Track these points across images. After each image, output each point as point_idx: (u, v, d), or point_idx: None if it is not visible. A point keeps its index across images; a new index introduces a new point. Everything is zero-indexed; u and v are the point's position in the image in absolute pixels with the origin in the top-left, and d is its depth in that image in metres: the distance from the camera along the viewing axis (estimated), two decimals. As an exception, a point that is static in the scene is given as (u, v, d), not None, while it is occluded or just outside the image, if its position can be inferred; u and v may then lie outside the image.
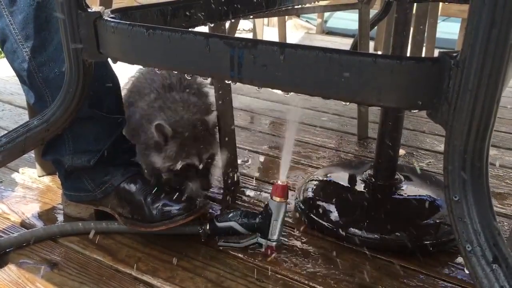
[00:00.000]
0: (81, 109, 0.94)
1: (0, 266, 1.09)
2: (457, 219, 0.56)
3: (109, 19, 0.77)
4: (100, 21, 0.77)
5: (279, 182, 1.12)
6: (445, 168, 0.57)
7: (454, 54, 0.54)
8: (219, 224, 1.17)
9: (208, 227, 1.18)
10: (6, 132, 1.02)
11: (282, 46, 0.60)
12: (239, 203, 1.42)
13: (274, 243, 1.14)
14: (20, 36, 1.17)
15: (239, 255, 1.17)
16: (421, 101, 0.58)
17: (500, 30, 0.50)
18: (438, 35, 2.71)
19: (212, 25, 1.20)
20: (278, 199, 1.11)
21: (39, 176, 1.52)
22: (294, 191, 1.46)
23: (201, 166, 1.17)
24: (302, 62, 0.59)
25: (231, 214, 1.17)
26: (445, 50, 0.60)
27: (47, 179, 1.51)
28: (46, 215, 1.32)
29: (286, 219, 1.29)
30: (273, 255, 1.17)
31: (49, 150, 1.23)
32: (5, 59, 1.28)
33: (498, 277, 0.52)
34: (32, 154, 1.55)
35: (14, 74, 1.29)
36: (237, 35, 3.09)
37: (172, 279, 1.08)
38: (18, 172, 1.55)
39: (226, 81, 1.07)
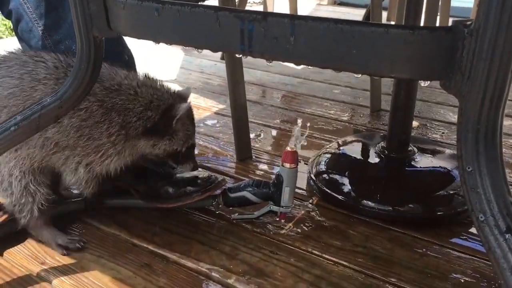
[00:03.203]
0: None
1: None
2: (470, 189, 0.55)
3: (118, -6, 0.77)
4: (110, -4, 0.77)
5: (289, 149, 1.12)
6: (458, 138, 0.57)
7: (468, 23, 0.53)
8: (232, 195, 1.18)
9: (221, 199, 1.19)
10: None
11: (293, 18, 0.60)
12: (252, 176, 1.43)
13: (288, 209, 1.15)
14: (34, 14, 1.18)
15: (253, 228, 1.18)
16: (434, 71, 0.57)
17: (515, -3, 0.49)
18: (452, 3, 2.65)
19: (222, -2, 1.19)
20: (288, 165, 1.12)
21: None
22: (307, 164, 1.46)
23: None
24: (313, 34, 0.59)
25: (243, 184, 1.18)
26: (459, 18, 0.58)
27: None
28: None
29: (298, 191, 1.30)
30: (288, 225, 1.18)
31: None
32: (15, 37, 1.29)
33: (511, 247, 0.52)
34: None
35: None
36: (247, 7, 3.05)
37: (188, 252, 1.10)
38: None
39: (237, 55, 1.06)
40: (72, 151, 1.03)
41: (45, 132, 1.00)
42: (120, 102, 1.01)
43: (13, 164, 1.03)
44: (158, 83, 1.09)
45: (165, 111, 1.04)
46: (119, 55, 1.24)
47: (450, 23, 0.56)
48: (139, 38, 0.76)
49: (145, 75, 1.10)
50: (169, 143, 1.07)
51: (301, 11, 3.81)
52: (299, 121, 1.14)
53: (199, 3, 1.01)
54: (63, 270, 1.04)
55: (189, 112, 1.09)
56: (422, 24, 1.50)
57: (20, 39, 1.27)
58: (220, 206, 1.20)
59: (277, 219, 1.17)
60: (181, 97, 1.11)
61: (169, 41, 0.73)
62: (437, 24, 2.20)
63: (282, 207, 1.14)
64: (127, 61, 1.27)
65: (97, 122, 1.01)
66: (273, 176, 1.17)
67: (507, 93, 0.54)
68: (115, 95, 1.02)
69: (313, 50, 0.60)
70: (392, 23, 3.16)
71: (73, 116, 0.99)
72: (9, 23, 2.28)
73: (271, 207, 1.15)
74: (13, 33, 1.30)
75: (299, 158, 1.13)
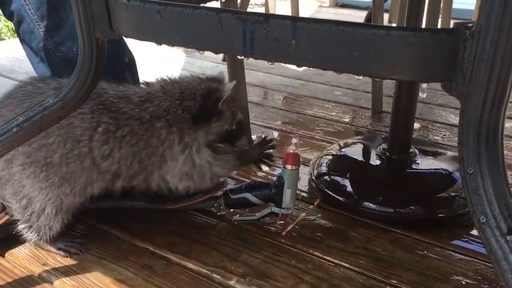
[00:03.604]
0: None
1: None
2: (472, 191, 0.55)
3: (120, -4, 0.77)
4: (112, -2, 0.77)
5: (290, 151, 1.12)
6: (459, 140, 0.57)
7: (470, 25, 0.53)
8: (233, 196, 1.18)
9: (222, 200, 1.19)
10: (22, 111, 1.04)
11: (294, 20, 0.60)
12: (254, 178, 1.43)
13: (289, 211, 1.15)
14: (36, 16, 1.18)
15: (254, 229, 1.18)
16: (435, 73, 0.57)
17: (516, -1, 0.49)
18: (454, 5, 2.66)
19: (224, 0, 1.19)
20: (289, 167, 1.12)
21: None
22: (308, 166, 1.46)
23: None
24: (314, 36, 0.59)
25: (244, 186, 1.18)
26: (461, 20, 0.59)
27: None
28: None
29: (299, 192, 1.30)
30: (289, 227, 1.18)
31: None
32: (17, 39, 1.29)
33: (512, 249, 0.52)
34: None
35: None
36: (249, 9, 3.06)
37: (189, 253, 1.10)
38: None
39: (239, 57, 1.06)
40: (138, 175, 1.04)
41: (98, 167, 1.00)
42: (155, 108, 1.02)
43: (52, 202, 1.02)
44: (174, 78, 1.09)
45: (205, 95, 1.04)
46: (120, 57, 1.25)
47: (451, 25, 0.56)
48: (141, 39, 0.76)
49: (160, 79, 1.09)
50: (218, 124, 1.06)
51: (303, 13, 3.81)
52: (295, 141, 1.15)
53: (201, 5, 1.01)
54: (65, 271, 1.04)
55: (232, 91, 1.09)
56: (423, 26, 1.50)
57: (22, 41, 1.28)
58: (222, 207, 1.20)
59: (279, 220, 1.17)
60: (217, 80, 1.11)
61: (171, 43, 0.74)
62: (439, 26, 2.20)
63: (283, 208, 1.14)
64: (128, 63, 1.27)
65: (146, 140, 1.01)
66: (275, 178, 1.17)
67: (508, 95, 0.54)
68: (148, 105, 1.02)
69: (314, 52, 0.60)
70: (394, 25, 3.16)
71: (122, 145, 0.99)
72: (11, 25, 2.28)
73: (272, 209, 1.15)
74: (15, 34, 1.31)
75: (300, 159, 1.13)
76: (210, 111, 1.05)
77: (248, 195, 1.16)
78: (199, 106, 1.03)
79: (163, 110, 1.02)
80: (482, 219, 0.54)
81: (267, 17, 0.62)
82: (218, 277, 1.03)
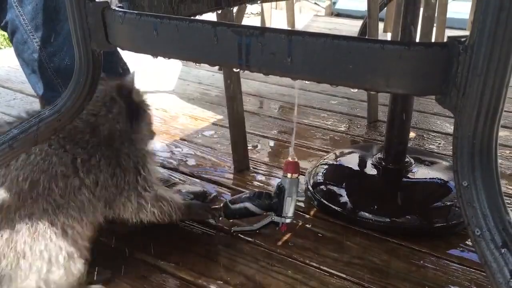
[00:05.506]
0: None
1: None
2: (466, 204, 0.56)
3: (117, 8, 0.77)
4: (108, 10, 0.77)
5: (290, 159, 1.13)
6: (454, 153, 0.57)
7: (463, 39, 0.54)
8: (233, 206, 1.17)
9: (221, 211, 1.19)
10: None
11: (290, 33, 0.60)
12: (250, 188, 1.43)
13: (289, 220, 1.15)
14: (30, 26, 1.18)
15: (251, 240, 1.18)
16: (429, 87, 0.58)
17: (508, 14, 0.49)
18: (448, 15, 2.68)
19: (220, 11, 1.20)
20: (290, 175, 1.13)
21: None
22: (304, 175, 1.46)
23: None
24: (309, 50, 0.59)
25: (244, 196, 1.18)
26: (455, 30, 0.59)
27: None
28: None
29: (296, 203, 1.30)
30: (286, 236, 1.18)
31: None
32: (12, 48, 1.29)
33: (507, 261, 0.52)
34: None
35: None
36: (245, 18, 3.07)
37: (185, 264, 1.10)
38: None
39: (234, 69, 1.06)
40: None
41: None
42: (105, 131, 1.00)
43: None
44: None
45: (123, 94, 1.01)
46: (114, 68, 1.24)
47: (446, 34, 0.57)
48: (137, 52, 0.77)
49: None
50: (147, 114, 1.06)
51: (299, 22, 3.84)
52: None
53: (197, 17, 1.02)
54: (60, 283, 1.03)
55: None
56: (418, 35, 1.51)
57: (15, 51, 1.27)
58: (221, 218, 1.20)
59: (278, 229, 1.17)
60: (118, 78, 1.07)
61: (167, 56, 0.74)
62: (433, 35, 2.22)
63: (284, 217, 1.14)
64: (122, 74, 1.27)
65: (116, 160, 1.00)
66: (273, 187, 1.17)
67: (502, 109, 0.54)
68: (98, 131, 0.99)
69: (310, 65, 0.60)
70: (389, 34, 3.19)
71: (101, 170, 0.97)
72: (6, 34, 2.28)
73: (273, 218, 1.15)
74: (11, 43, 1.31)
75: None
76: (135, 105, 1.02)
77: (248, 205, 1.16)
78: (127, 106, 1.00)
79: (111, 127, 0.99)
80: (477, 231, 0.55)
81: (263, 31, 0.62)
82: (214, 287, 1.03)
